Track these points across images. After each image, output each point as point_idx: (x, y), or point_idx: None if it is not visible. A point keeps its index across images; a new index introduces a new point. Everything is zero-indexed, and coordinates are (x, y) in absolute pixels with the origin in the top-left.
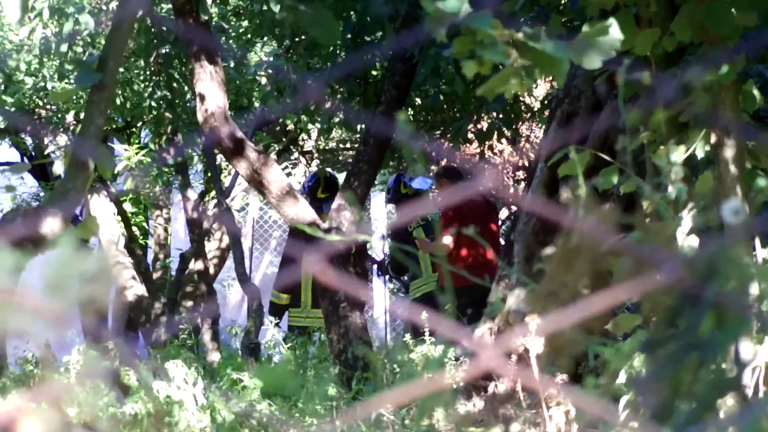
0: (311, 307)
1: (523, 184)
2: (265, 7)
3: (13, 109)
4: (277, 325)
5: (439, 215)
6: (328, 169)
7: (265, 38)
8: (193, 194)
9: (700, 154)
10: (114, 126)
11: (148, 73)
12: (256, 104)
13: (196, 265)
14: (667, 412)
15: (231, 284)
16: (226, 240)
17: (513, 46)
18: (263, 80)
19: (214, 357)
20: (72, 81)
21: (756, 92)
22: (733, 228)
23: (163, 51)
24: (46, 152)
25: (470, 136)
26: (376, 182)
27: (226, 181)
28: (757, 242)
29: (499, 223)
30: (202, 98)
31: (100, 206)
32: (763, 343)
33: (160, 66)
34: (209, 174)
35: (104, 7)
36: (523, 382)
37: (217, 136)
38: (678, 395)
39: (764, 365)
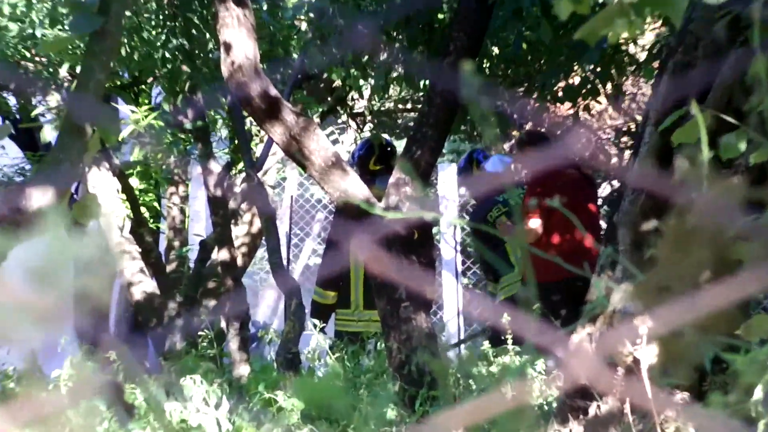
0: (364, 307)
1: (628, 152)
2: None
3: None
4: (322, 330)
5: (523, 195)
6: (384, 135)
7: None
8: (216, 166)
9: None
10: (119, 82)
11: (161, 17)
12: (295, 55)
13: (220, 255)
14: None
15: (264, 279)
16: (257, 223)
17: None
18: (303, 25)
19: (243, 370)
20: (67, 27)
21: None
22: None
23: None
24: (33, 114)
25: (560, 93)
26: (444, 151)
27: (258, 150)
28: None
29: (599, 201)
30: (228, 48)
31: (101, 182)
32: None
33: (175, 8)
34: (236, 141)
35: None
36: (632, 400)
37: (246, 95)
38: None
39: None
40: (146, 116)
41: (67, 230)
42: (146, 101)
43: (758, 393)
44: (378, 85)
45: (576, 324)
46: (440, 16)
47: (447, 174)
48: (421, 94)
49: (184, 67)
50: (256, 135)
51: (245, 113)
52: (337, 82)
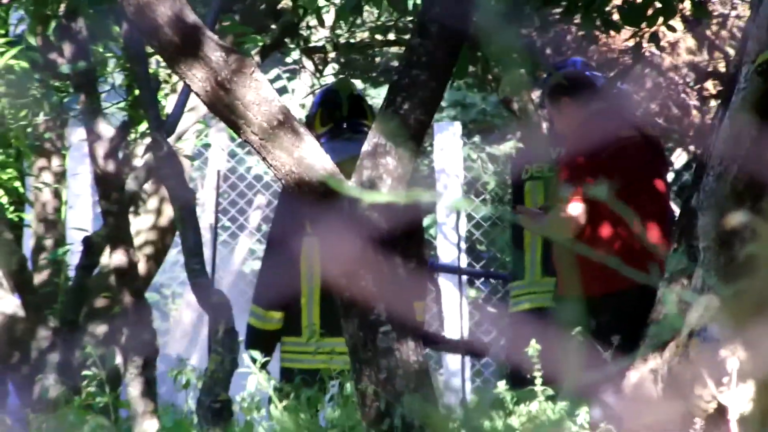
0: (323, 334)
1: (714, 102)
2: None
3: None
4: (263, 367)
5: (557, 164)
6: (355, 82)
7: None
8: (107, 129)
9: None
10: None
11: None
12: None
13: (113, 259)
14: None
15: (178, 293)
16: (168, 212)
17: None
18: None
19: (149, 426)
20: None
21: None
22: None
23: None
24: None
25: (615, 17)
26: (443, 104)
27: (169, 104)
28: None
29: (670, 177)
30: None
31: None
32: None
33: None
34: (136, 91)
35: None
36: None
37: (151, 21)
38: None
39: None
40: (1, 53)
41: None
42: (1, 31)
43: None
44: (345, 5)
45: (634, 355)
46: None
47: (447, 137)
48: (409, 19)
49: None
50: (166, 82)
51: (149, 49)
52: (286, 2)
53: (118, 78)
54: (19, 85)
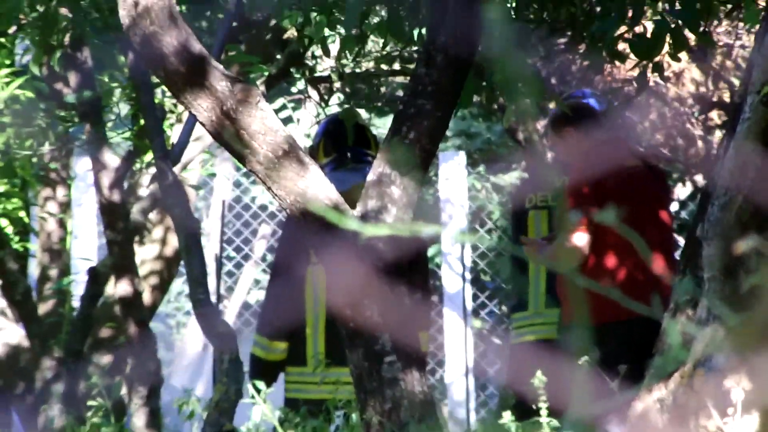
0: (328, 364)
1: (719, 133)
2: None
3: None
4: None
5: (562, 193)
6: (360, 111)
7: None
8: (112, 158)
9: None
10: None
11: None
12: None
13: (118, 289)
14: None
15: (183, 323)
16: (173, 242)
17: None
18: None
19: None
20: None
21: None
22: None
23: None
24: None
25: (622, 46)
26: (448, 133)
27: (174, 134)
28: None
29: (674, 207)
30: None
31: None
32: None
33: None
34: (142, 121)
35: None
36: None
37: (157, 51)
38: None
39: None
40: (7, 84)
41: None
42: (7, 61)
43: None
44: (350, 35)
45: (640, 386)
46: None
47: (452, 167)
48: (414, 48)
49: (63, 11)
50: (172, 112)
51: (155, 79)
52: (291, 32)
53: (124, 108)
54: (24, 114)
